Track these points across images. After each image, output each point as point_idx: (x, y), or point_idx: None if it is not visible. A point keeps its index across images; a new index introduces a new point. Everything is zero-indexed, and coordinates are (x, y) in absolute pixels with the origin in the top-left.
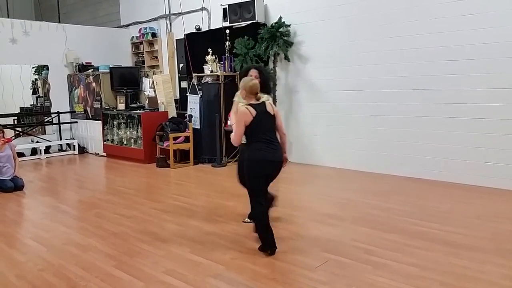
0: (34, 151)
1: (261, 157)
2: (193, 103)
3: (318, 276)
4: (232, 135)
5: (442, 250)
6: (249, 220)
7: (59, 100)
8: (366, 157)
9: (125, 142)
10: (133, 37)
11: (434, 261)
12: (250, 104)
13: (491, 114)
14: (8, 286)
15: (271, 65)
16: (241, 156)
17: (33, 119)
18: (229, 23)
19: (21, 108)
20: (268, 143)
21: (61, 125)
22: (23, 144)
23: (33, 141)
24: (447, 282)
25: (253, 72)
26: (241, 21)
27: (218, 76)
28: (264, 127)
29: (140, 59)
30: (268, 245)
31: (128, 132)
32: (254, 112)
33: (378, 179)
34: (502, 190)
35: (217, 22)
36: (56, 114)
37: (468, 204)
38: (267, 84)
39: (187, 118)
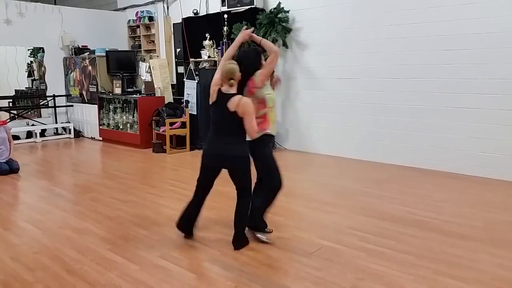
0: (29, 134)
1: (205, 149)
2: (190, 89)
3: (313, 262)
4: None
5: (437, 238)
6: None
7: (55, 83)
8: (363, 145)
9: (121, 127)
10: (129, 20)
11: (428, 249)
12: (219, 89)
13: (488, 104)
14: (3, 268)
15: None
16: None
17: (28, 102)
18: (227, 8)
19: (16, 91)
20: (217, 135)
21: (56, 108)
22: (19, 127)
23: (28, 124)
24: (440, 270)
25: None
26: (240, 6)
27: (215, 61)
28: (216, 118)
29: (136, 43)
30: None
31: (124, 117)
32: (214, 98)
33: (374, 168)
34: (497, 181)
35: (215, 6)
36: (52, 97)
37: (463, 194)
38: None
39: (184, 103)
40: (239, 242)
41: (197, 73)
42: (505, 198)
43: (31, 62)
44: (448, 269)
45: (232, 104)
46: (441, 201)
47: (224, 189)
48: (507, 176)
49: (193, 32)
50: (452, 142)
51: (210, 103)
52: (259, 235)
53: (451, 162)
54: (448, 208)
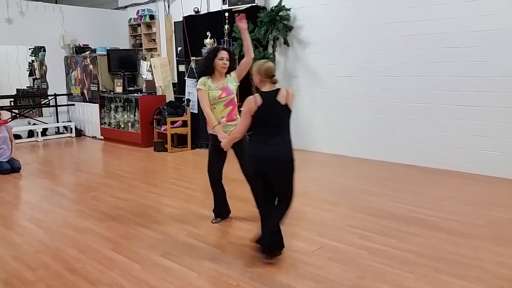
0: (31, 133)
1: (256, 154)
2: (191, 87)
3: (314, 261)
4: (238, 127)
5: (438, 236)
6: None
7: (56, 82)
8: (364, 143)
9: (122, 126)
10: (130, 19)
11: (429, 247)
12: (260, 92)
13: (489, 102)
14: (4, 267)
15: (270, 49)
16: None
17: (30, 101)
18: (228, 6)
19: (17, 90)
20: (268, 138)
21: (58, 107)
22: (20, 126)
23: (30, 123)
24: (441, 268)
25: (225, 54)
26: (241, 4)
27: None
28: (267, 119)
29: (137, 41)
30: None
31: (126, 116)
32: (260, 101)
33: (375, 166)
34: (498, 178)
35: (216, 4)
36: (53, 96)
37: (464, 192)
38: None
39: (185, 102)
40: (261, 244)
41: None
42: (506, 196)
43: (32, 61)
44: (449, 267)
45: (281, 97)
46: (442, 199)
47: (225, 188)
48: (509, 174)
49: (194, 30)
50: (453, 140)
51: (256, 108)
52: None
53: (453, 160)
54: (450, 206)
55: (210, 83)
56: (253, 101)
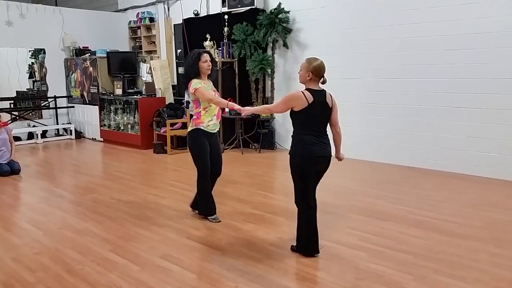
0: (30, 135)
1: (312, 152)
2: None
3: (313, 263)
4: (272, 106)
5: (436, 238)
6: (194, 211)
7: (56, 85)
8: (363, 145)
9: (122, 128)
10: (130, 21)
11: (428, 249)
12: (308, 89)
13: (488, 104)
14: (4, 268)
15: (269, 51)
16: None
17: (29, 103)
18: (228, 9)
19: (17, 92)
20: (319, 136)
21: (57, 109)
22: (20, 128)
23: (29, 125)
24: (440, 269)
25: (207, 57)
26: (240, 7)
27: (216, 62)
28: (317, 118)
29: (137, 44)
30: (309, 250)
31: (125, 118)
32: (311, 98)
33: (374, 168)
34: (497, 180)
35: (216, 7)
36: (53, 99)
37: (463, 194)
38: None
39: (185, 104)
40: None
41: None
42: (505, 197)
43: (32, 63)
44: (448, 268)
45: (329, 99)
46: (441, 200)
47: (224, 189)
48: (507, 176)
49: (193, 33)
50: (452, 142)
51: (299, 109)
52: (210, 218)
53: (451, 161)
54: (448, 207)
55: (204, 84)
56: (303, 98)
